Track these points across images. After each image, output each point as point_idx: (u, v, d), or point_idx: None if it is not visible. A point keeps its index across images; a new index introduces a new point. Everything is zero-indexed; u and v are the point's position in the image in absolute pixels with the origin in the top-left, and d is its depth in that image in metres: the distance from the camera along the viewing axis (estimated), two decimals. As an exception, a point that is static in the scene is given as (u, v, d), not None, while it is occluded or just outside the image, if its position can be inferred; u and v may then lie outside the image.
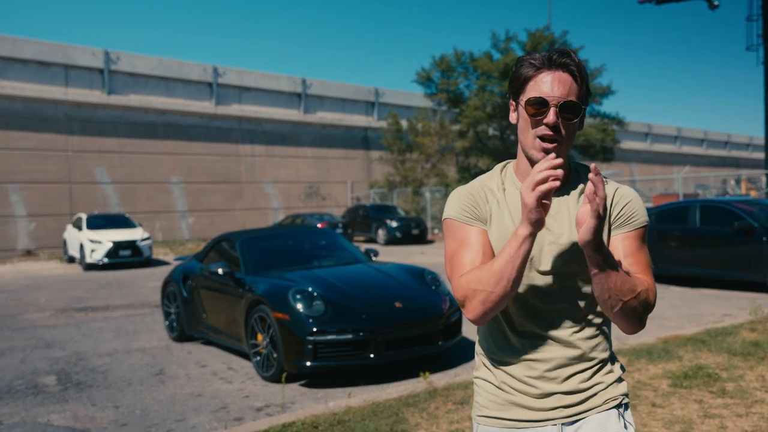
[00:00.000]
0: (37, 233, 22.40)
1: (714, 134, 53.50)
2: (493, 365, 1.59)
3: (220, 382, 5.70)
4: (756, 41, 27.07)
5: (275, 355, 5.53)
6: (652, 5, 28.35)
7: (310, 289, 5.68)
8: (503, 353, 1.57)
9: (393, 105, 33.02)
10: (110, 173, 24.25)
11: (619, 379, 1.59)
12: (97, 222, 18.00)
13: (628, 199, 1.56)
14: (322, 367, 5.37)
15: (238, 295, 6.21)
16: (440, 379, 5.39)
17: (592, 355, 1.55)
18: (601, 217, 1.32)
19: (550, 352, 1.53)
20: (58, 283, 14.13)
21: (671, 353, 5.67)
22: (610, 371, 1.58)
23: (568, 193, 1.56)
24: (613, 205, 1.55)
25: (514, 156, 1.65)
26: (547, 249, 1.51)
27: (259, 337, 5.77)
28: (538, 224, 1.36)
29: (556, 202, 1.54)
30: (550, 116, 1.45)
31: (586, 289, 1.52)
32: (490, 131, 28.64)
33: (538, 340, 1.53)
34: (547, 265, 1.51)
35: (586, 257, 1.38)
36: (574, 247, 1.50)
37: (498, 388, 1.58)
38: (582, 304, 1.53)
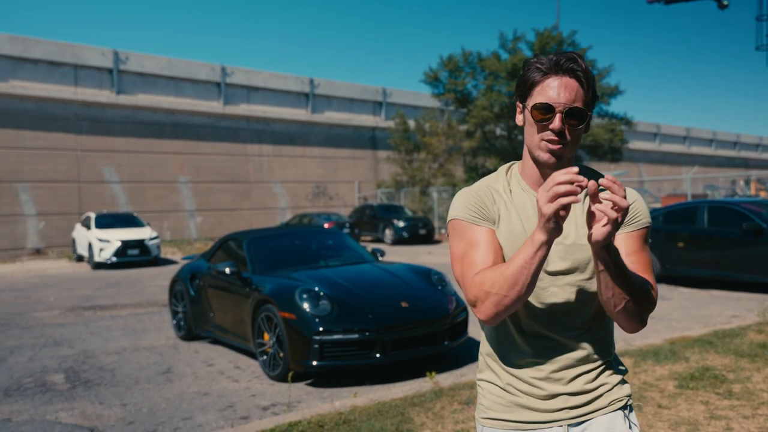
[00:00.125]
0: (46, 232, 22.54)
1: (723, 134, 53.18)
2: (499, 367, 1.60)
3: (226, 380, 5.73)
4: (766, 41, 27.00)
5: (282, 355, 5.55)
6: (661, 5, 28.22)
7: (316, 288, 5.70)
8: (509, 354, 1.58)
9: (400, 105, 33.02)
10: (119, 172, 24.38)
11: (623, 380, 1.60)
12: (106, 221, 18.11)
13: (632, 200, 1.57)
14: (329, 366, 5.38)
15: (245, 294, 6.23)
16: (446, 379, 5.39)
17: (597, 356, 1.56)
18: (618, 224, 1.31)
19: (557, 353, 1.53)
20: (67, 281, 14.22)
21: (678, 354, 5.65)
22: (614, 372, 1.59)
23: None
24: None
25: (521, 156, 1.65)
26: (554, 250, 1.52)
27: (266, 336, 5.80)
28: (555, 232, 1.34)
29: None
30: (556, 122, 1.46)
31: (592, 289, 1.52)
32: (498, 131, 28.58)
33: (544, 341, 1.54)
34: (554, 266, 1.52)
35: (593, 253, 1.39)
36: (580, 248, 1.51)
37: (503, 390, 1.58)
38: (588, 304, 1.54)
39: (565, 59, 1.48)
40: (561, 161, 1.50)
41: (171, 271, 14.65)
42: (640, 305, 1.45)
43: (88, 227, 17.91)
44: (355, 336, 5.38)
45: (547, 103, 1.46)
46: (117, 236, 16.97)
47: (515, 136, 27.91)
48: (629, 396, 1.60)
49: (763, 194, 29.02)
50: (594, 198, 1.31)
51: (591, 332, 1.55)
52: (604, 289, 1.42)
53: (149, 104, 25.16)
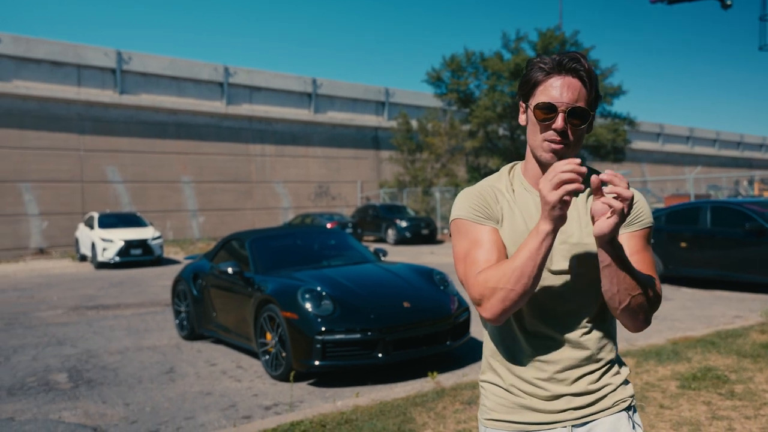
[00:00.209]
0: (49, 232, 22.59)
1: (726, 134, 53.07)
2: (502, 367, 1.60)
3: (229, 380, 5.74)
4: (769, 41, 26.84)
5: (284, 354, 5.55)
6: (664, 5, 28.11)
7: (318, 288, 5.70)
8: (513, 355, 1.58)
9: (403, 105, 33.02)
10: (122, 172, 24.42)
11: (626, 381, 1.60)
12: (109, 221, 18.14)
13: (635, 200, 1.57)
14: (331, 366, 5.39)
15: (247, 294, 6.24)
16: (448, 379, 5.40)
17: (600, 356, 1.56)
18: (624, 216, 1.32)
19: (560, 353, 1.53)
20: (70, 281, 14.25)
21: (680, 355, 5.64)
22: (617, 372, 1.59)
23: (576, 194, 1.57)
24: None
25: (524, 156, 1.65)
26: (558, 249, 1.52)
27: (268, 336, 5.80)
28: (560, 220, 1.36)
29: None
30: (558, 122, 1.46)
31: (596, 289, 1.52)
32: (500, 131, 28.59)
33: (548, 341, 1.54)
34: (558, 265, 1.52)
35: (598, 249, 1.39)
36: (584, 246, 1.51)
37: (506, 391, 1.58)
38: (591, 304, 1.54)
39: (568, 59, 1.48)
40: None
41: (174, 270, 14.67)
42: (644, 303, 1.45)
43: (91, 227, 17.94)
44: (358, 336, 5.38)
45: (549, 103, 1.47)
46: (120, 236, 17.01)
47: (518, 136, 27.90)
48: (633, 396, 1.60)
49: (766, 194, 28.93)
50: (597, 192, 1.33)
51: (594, 332, 1.55)
52: (609, 284, 1.42)
53: (152, 104, 25.20)
